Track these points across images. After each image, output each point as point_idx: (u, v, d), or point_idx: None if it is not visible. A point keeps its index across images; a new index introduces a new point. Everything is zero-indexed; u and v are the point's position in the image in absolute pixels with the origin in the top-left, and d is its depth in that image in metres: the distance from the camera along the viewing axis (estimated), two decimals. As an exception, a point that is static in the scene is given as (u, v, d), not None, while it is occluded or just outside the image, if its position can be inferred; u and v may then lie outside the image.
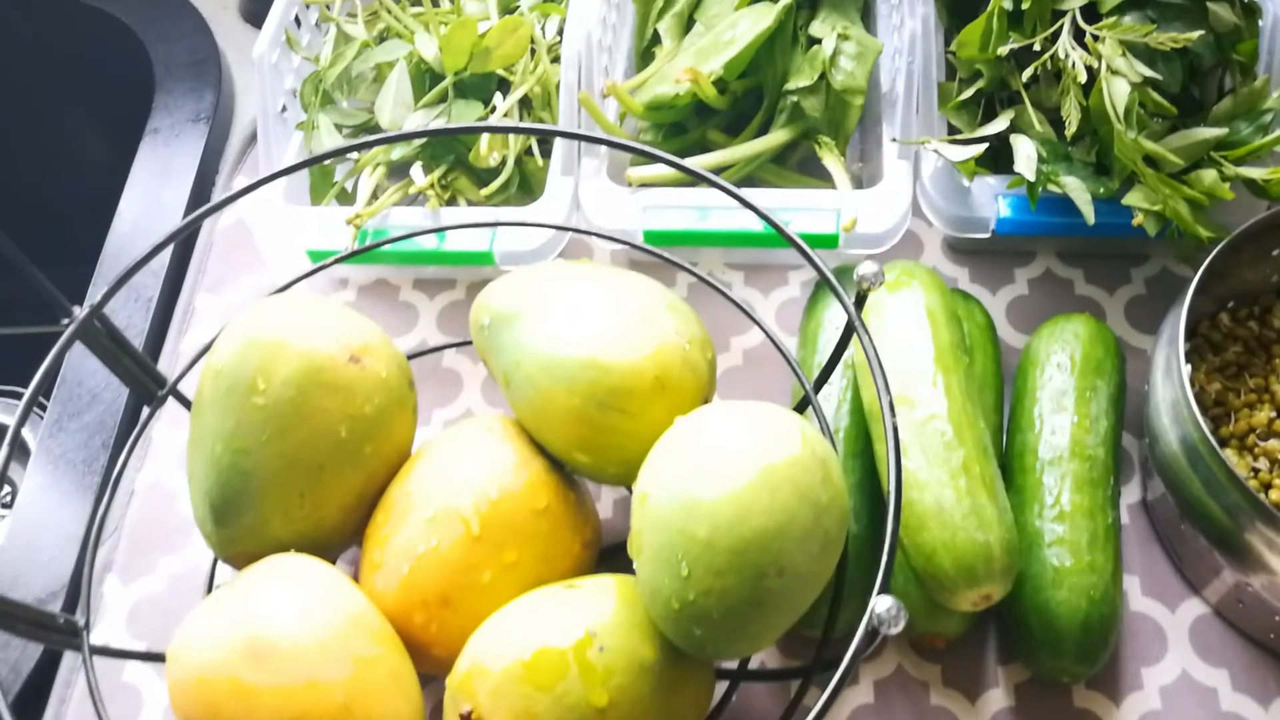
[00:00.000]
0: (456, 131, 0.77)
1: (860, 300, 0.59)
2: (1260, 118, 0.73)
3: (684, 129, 0.86)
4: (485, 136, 0.78)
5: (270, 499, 0.60)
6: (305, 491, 0.61)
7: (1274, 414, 0.70)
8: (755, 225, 0.76)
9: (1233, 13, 0.74)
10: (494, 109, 0.81)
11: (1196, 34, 0.69)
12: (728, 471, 0.52)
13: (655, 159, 0.65)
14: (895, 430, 0.54)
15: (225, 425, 0.60)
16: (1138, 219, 0.70)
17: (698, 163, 0.80)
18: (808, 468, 0.53)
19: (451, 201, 0.82)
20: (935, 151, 0.75)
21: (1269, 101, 0.74)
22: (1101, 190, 0.72)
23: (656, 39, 0.88)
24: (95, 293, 0.86)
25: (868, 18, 0.90)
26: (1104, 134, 0.71)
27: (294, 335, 0.61)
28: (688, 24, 0.88)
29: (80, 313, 0.61)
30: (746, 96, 0.86)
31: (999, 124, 0.76)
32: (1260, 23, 0.76)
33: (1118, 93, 0.69)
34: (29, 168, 1.21)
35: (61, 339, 0.61)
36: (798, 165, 0.87)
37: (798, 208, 0.76)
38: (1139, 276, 0.82)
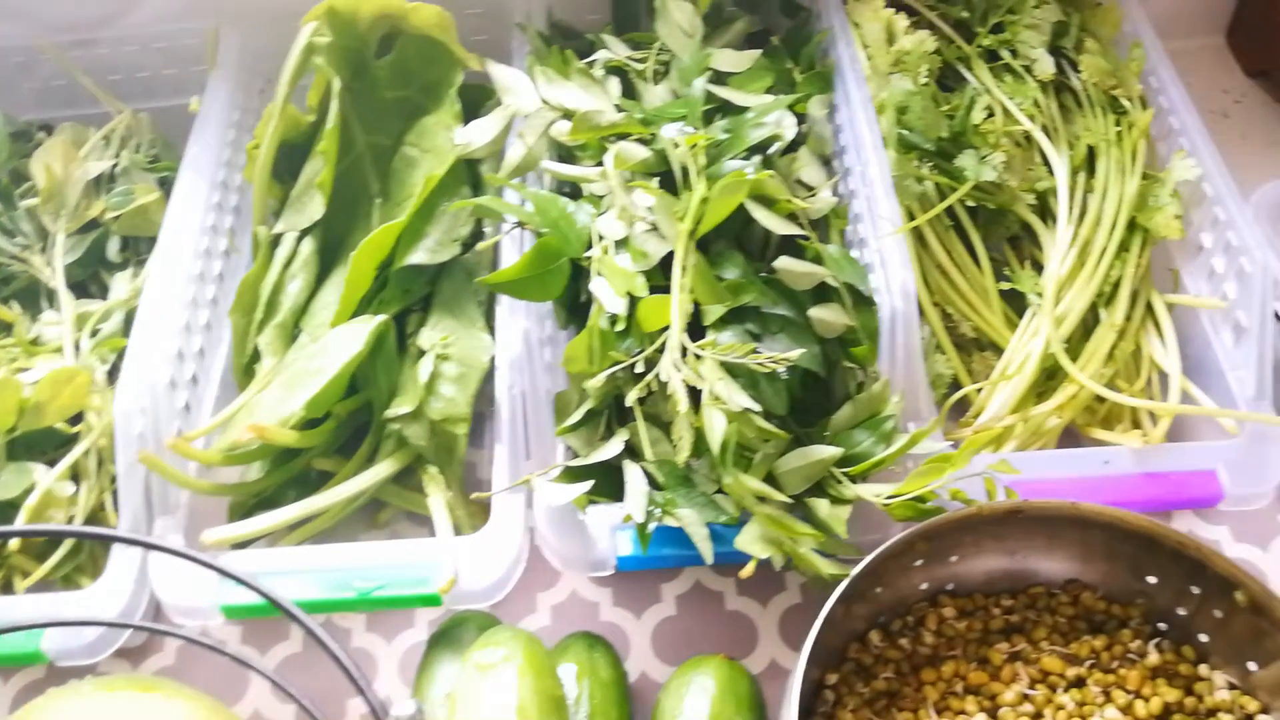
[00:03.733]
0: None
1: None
2: (881, 425, 0.68)
3: (296, 453, 0.77)
4: (23, 515, 0.68)
5: None
6: None
7: (925, 758, 0.64)
8: (350, 587, 0.67)
9: (843, 313, 0.69)
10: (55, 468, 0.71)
11: (797, 354, 0.63)
12: None
13: (201, 564, 0.56)
14: None
15: None
16: (747, 569, 0.63)
17: (295, 510, 0.71)
18: None
19: (5, 584, 0.71)
20: (533, 488, 0.68)
21: (888, 407, 0.68)
22: (723, 519, 0.66)
23: (259, 354, 0.79)
24: None
25: (494, 310, 0.81)
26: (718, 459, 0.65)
27: None
28: (293, 334, 0.80)
29: None
30: (359, 412, 0.78)
31: (612, 448, 0.68)
32: (881, 314, 0.72)
33: (715, 427, 0.62)
34: None
35: None
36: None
37: (391, 564, 0.67)
38: (793, 582, 0.76)
